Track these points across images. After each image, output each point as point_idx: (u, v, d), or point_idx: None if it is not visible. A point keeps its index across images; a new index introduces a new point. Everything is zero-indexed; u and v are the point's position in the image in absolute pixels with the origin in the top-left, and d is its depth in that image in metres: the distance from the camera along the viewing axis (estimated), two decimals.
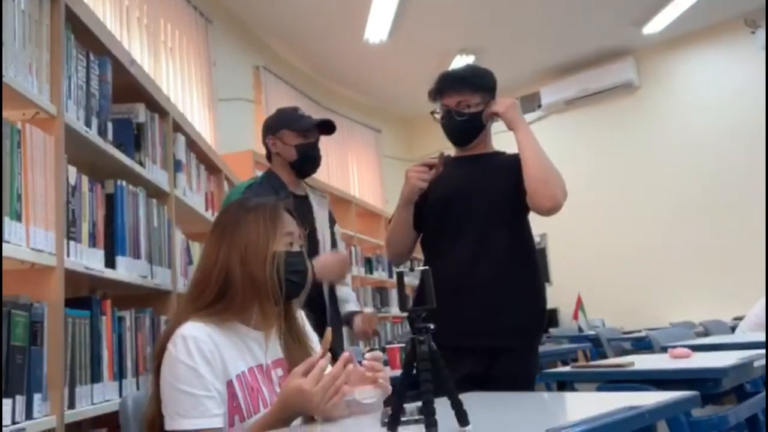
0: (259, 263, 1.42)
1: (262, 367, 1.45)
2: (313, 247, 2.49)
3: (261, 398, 1.40)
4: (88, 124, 1.92)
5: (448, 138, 2.33)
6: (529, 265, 2.23)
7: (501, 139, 2.43)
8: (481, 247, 2.17)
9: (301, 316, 1.60)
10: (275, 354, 1.49)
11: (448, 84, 2.29)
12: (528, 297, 2.19)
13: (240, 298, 1.41)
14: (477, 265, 2.15)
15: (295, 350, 1.51)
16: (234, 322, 1.43)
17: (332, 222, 2.79)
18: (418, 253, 2.39)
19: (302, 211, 2.18)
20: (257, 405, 1.39)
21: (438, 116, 2.31)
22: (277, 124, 2.61)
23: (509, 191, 2.19)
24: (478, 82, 2.28)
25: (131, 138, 2.31)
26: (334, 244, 2.72)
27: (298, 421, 1.32)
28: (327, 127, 2.63)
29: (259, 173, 2.89)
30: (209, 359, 1.33)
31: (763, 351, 2.37)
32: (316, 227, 2.60)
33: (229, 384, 1.36)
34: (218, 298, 1.41)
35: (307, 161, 2.59)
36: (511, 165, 2.22)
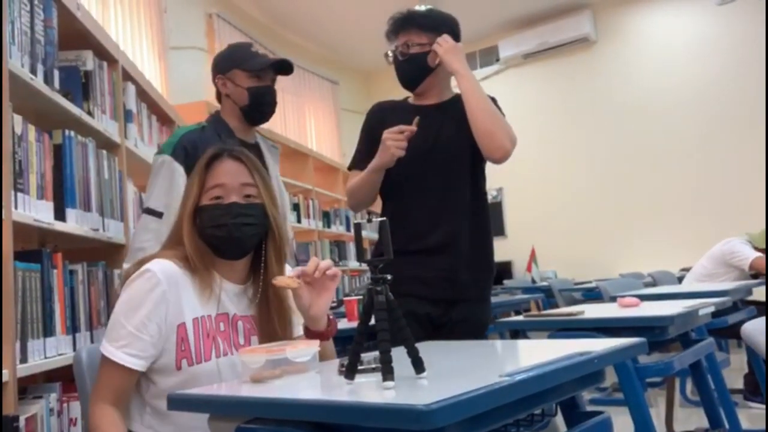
0: (187, 219, 1.43)
1: (227, 316, 1.45)
2: None
3: (215, 346, 1.41)
4: (33, 71, 1.84)
5: (399, 81, 2.27)
6: (486, 217, 2.25)
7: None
8: (443, 202, 2.16)
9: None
10: (245, 310, 1.49)
11: (398, 24, 2.23)
12: (484, 250, 2.22)
13: (194, 249, 1.43)
14: (439, 221, 2.14)
15: (269, 308, 1.48)
16: (208, 268, 1.44)
17: None
18: (376, 207, 2.39)
19: None
20: (209, 352, 1.39)
21: (390, 59, 2.26)
22: (227, 63, 2.30)
23: (467, 143, 2.14)
24: (425, 22, 2.19)
25: (79, 86, 2.24)
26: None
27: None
28: (284, 68, 2.35)
29: None
30: (156, 300, 1.34)
31: (708, 300, 2.46)
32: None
33: (181, 327, 1.37)
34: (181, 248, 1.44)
35: (259, 106, 2.30)
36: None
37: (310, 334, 1.45)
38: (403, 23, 2.22)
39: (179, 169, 2.07)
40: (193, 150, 2.08)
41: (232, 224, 1.40)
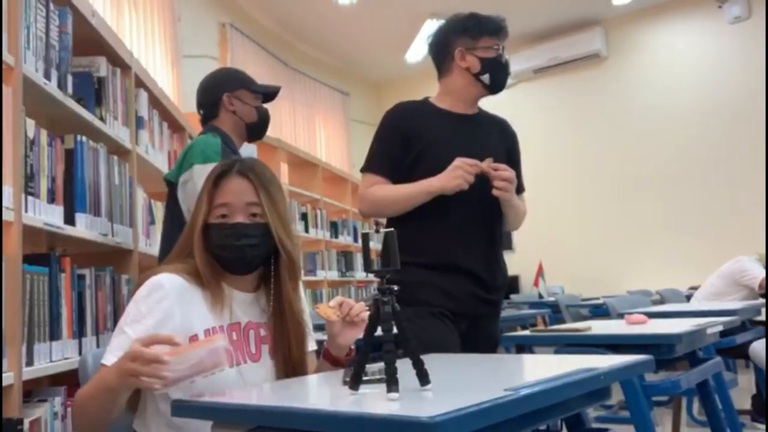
0: (197, 235, 1.44)
1: (239, 325, 1.45)
2: None
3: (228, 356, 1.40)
4: (47, 76, 1.86)
5: (488, 80, 2.15)
6: (502, 233, 2.23)
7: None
8: (479, 220, 2.11)
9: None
10: (258, 317, 1.49)
11: (505, 29, 2.19)
12: (501, 266, 2.20)
13: (203, 260, 1.43)
14: (473, 239, 2.10)
15: (282, 318, 1.49)
16: (218, 280, 1.44)
17: None
18: None
19: None
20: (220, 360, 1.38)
21: (497, 51, 2.15)
22: (234, 82, 2.48)
23: (503, 160, 2.11)
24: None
25: (92, 92, 2.25)
26: None
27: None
28: (273, 96, 2.60)
29: None
30: (164, 312, 1.34)
31: (716, 319, 2.44)
32: None
33: (193, 339, 1.36)
34: (189, 259, 1.44)
35: (264, 125, 2.54)
36: (502, 133, 2.25)
37: (328, 356, 1.49)
38: (505, 32, 2.19)
39: None
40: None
41: (236, 246, 1.41)
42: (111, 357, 1.30)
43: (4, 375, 1.50)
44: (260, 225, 1.44)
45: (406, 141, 2.11)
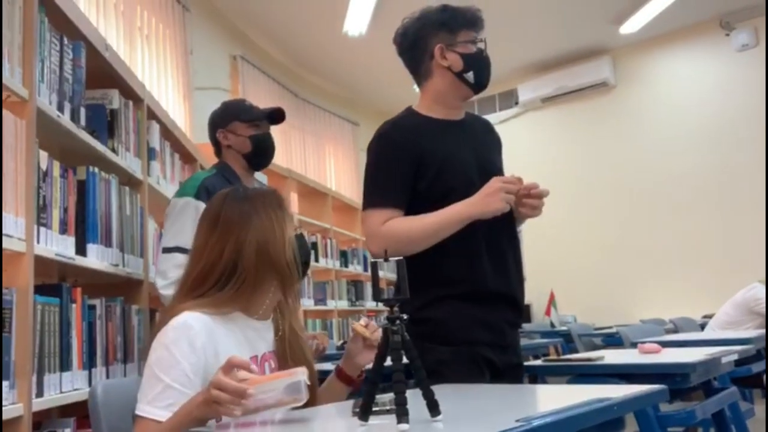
0: (280, 250, 1.45)
1: (257, 358, 1.46)
2: None
3: None
4: (60, 108, 1.89)
5: (472, 79, 1.95)
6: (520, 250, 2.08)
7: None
8: (498, 232, 1.91)
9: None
10: (269, 346, 1.51)
11: (481, 19, 1.97)
12: (523, 293, 2.06)
13: (250, 288, 1.43)
14: (504, 263, 1.93)
15: (290, 343, 1.52)
16: (234, 312, 1.44)
17: None
18: None
19: None
20: None
21: (479, 46, 1.96)
22: (225, 117, 2.51)
23: (501, 170, 2.03)
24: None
25: (104, 124, 2.28)
26: None
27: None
28: (277, 117, 2.54)
29: None
30: (197, 352, 1.31)
31: (731, 348, 2.41)
32: None
33: None
34: (220, 289, 1.42)
35: (261, 152, 2.51)
36: (492, 135, 2.11)
37: (341, 375, 1.56)
38: (482, 22, 1.98)
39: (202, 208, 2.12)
40: (213, 191, 2.14)
41: (310, 250, 1.60)
42: (158, 411, 1.26)
43: (14, 407, 1.50)
44: None
45: (417, 164, 1.86)
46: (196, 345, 1.31)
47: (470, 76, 1.94)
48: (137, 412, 1.28)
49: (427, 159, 1.87)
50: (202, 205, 2.13)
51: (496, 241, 1.91)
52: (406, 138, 1.90)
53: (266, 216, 1.48)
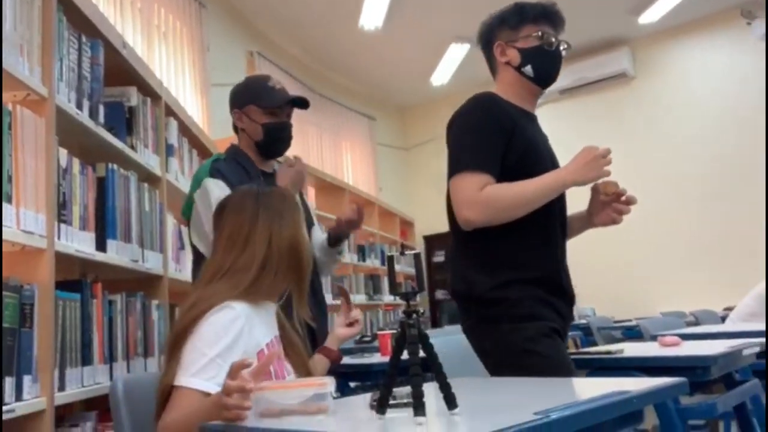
0: (304, 249, 1.61)
1: (277, 337, 1.61)
2: None
3: (281, 366, 1.55)
4: (79, 106, 1.91)
5: (531, 73, 1.96)
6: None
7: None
8: (554, 225, 1.95)
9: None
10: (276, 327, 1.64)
11: (552, 13, 1.97)
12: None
13: (280, 280, 1.56)
14: (555, 246, 1.96)
15: (289, 331, 1.67)
16: (263, 298, 1.56)
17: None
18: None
19: None
20: (282, 371, 1.53)
21: (552, 42, 1.96)
22: (243, 98, 2.32)
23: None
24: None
25: (123, 121, 2.30)
26: (311, 223, 2.40)
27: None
28: (301, 103, 2.35)
29: None
30: (238, 335, 1.42)
31: (752, 340, 2.38)
32: None
33: (260, 354, 1.47)
34: (256, 279, 1.53)
35: (274, 142, 2.29)
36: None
37: (324, 350, 1.80)
38: (553, 17, 1.98)
39: (218, 183, 2.12)
40: (225, 173, 2.16)
41: None
42: (201, 382, 1.34)
43: (36, 400, 1.52)
44: None
45: (509, 137, 1.85)
46: (236, 323, 1.42)
47: (528, 70, 1.96)
48: (177, 383, 1.35)
49: (518, 136, 1.87)
50: (211, 181, 2.13)
51: (553, 235, 1.96)
52: (504, 110, 1.90)
53: (290, 215, 1.62)
